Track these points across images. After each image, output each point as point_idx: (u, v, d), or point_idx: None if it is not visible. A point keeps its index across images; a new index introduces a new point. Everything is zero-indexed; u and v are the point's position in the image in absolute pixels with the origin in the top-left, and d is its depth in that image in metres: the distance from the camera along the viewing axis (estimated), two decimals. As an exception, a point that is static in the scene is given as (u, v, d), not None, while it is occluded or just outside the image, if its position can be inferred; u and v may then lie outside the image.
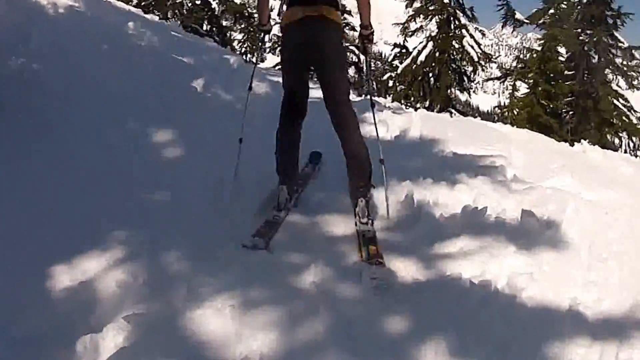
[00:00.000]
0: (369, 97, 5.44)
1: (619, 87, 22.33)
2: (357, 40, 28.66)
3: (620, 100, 21.48)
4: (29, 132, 4.61)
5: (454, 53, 25.20)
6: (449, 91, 25.61)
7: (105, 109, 5.44)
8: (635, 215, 4.68)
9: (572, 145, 10.14)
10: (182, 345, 2.65)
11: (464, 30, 24.87)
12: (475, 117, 27.04)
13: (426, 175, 5.15)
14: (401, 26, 26.68)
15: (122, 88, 6.03)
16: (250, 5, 26.89)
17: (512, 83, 24.02)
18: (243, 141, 4.63)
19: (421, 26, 26.09)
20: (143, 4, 23.66)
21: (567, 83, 20.90)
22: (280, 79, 4.66)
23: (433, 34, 25.19)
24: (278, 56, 30.25)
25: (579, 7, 20.92)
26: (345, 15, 26.83)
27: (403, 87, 27.02)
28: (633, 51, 22.31)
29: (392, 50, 29.94)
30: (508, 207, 4.53)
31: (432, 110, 24.96)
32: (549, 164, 6.63)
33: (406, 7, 26.93)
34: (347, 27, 26.79)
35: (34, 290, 2.93)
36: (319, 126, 4.82)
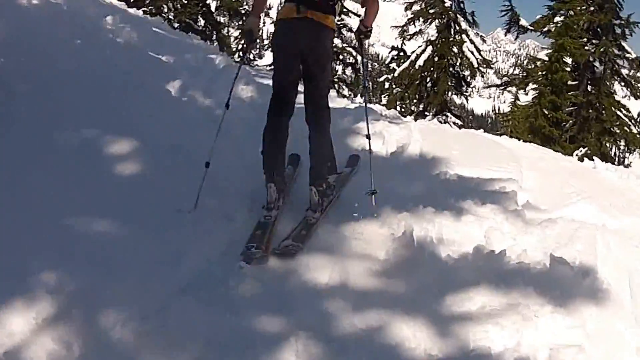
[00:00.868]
0: (363, 104, 5.74)
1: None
2: (354, 41, 28.52)
3: (622, 110, 20.74)
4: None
5: (453, 58, 24.52)
6: (445, 95, 24.95)
7: (62, 111, 4.75)
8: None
9: (581, 160, 9.55)
10: None
11: (464, 36, 24.16)
12: (470, 120, 27.02)
13: (427, 202, 4.49)
14: (400, 29, 25.94)
15: (88, 88, 5.31)
16: (247, 1, 26.28)
17: (510, 90, 23.46)
18: (210, 166, 4.14)
19: (420, 30, 25.36)
20: None
21: (570, 93, 20.10)
22: (269, 81, 4.65)
23: (432, 38, 24.45)
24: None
25: (584, 15, 20.00)
26: (343, 17, 26.47)
27: (399, 89, 26.50)
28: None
29: (389, 52, 29.60)
30: (528, 245, 3.89)
31: (428, 114, 24.60)
32: (563, 187, 5.97)
33: (405, 9, 26.27)
34: (345, 28, 26.40)
35: None
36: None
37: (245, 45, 5.68)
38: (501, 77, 26.53)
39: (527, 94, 21.40)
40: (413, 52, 25.06)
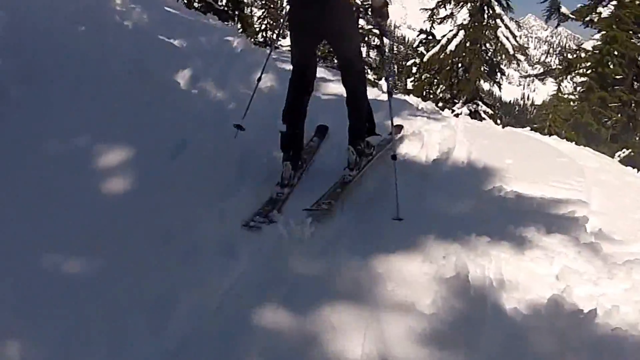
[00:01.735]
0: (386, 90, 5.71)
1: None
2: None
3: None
4: None
5: (487, 44, 23.62)
6: (477, 83, 24.22)
7: (56, 113, 4.12)
8: None
9: (624, 164, 8.70)
10: None
11: (498, 20, 23.26)
12: (497, 108, 26.09)
13: (480, 228, 3.72)
14: (429, 12, 25.02)
15: (87, 84, 4.62)
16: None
17: (544, 80, 22.54)
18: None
19: (452, 13, 24.48)
20: None
21: (618, 89, 18.95)
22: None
23: (465, 22, 23.47)
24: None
25: (636, 7, 18.78)
26: None
27: (428, 75, 25.82)
28: None
29: (417, 36, 28.69)
30: (617, 297, 3.12)
31: (457, 101, 23.78)
32: (636, 210, 5.12)
33: (436, -8, 25.34)
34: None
35: None
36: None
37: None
38: (533, 65, 25.52)
39: (573, 85, 20.55)
40: (444, 36, 24.22)
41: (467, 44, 23.48)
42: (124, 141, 3.80)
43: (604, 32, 19.02)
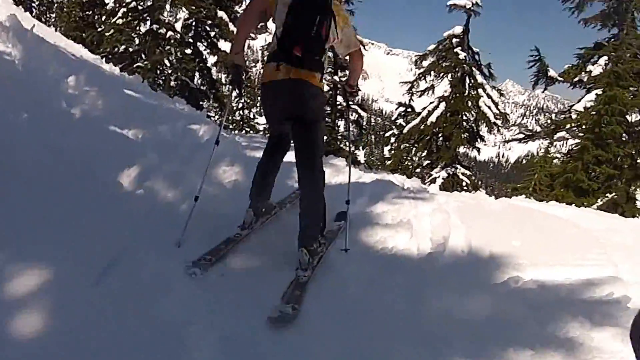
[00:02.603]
0: (383, 175, 6.50)
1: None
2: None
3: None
4: None
5: (468, 113, 23.37)
6: (457, 150, 24.08)
7: None
8: None
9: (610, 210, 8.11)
10: None
11: (480, 90, 23.16)
12: (472, 167, 25.81)
13: (508, 335, 3.09)
14: (408, 85, 24.89)
15: (10, 187, 3.80)
16: (247, 57, 25.59)
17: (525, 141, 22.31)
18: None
19: (432, 85, 24.30)
20: (131, 50, 23.08)
21: (617, 145, 18.48)
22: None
23: (446, 94, 23.25)
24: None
25: (634, 62, 18.49)
26: (347, 72, 25.44)
27: (407, 144, 25.73)
28: None
29: (396, 109, 28.70)
30: None
31: (436, 166, 23.38)
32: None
33: (415, 64, 25.31)
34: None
35: None
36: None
37: (233, 82, 4.50)
38: (509, 128, 25.27)
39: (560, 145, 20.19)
40: (424, 108, 24.23)
41: (448, 115, 23.19)
42: (43, 261, 3.01)
43: (600, 92, 18.64)
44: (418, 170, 25.05)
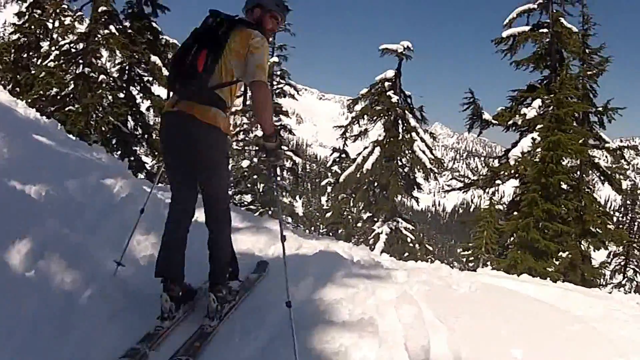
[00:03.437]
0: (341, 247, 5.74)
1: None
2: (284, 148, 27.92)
3: (600, 207, 19.34)
4: None
5: (404, 159, 23.07)
6: (395, 200, 23.68)
7: None
8: None
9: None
10: None
11: (413, 134, 22.96)
12: (413, 220, 25.59)
13: None
14: (342, 129, 24.53)
15: None
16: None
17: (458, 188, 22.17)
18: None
19: (366, 129, 23.97)
20: (63, 94, 22.44)
21: (566, 197, 18.00)
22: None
23: (380, 138, 22.94)
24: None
25: (575, 105, 18.41)
26: (281, 117, 25.45)
27: (344, 195, 25.28)
28: (623, 151, 20.14)
29: (330, 155, 28.45)
30: None
31: (377, 220, 22.95)
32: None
33: (348, 108, 25.07)
34: (284, 130, 25.36)
35: None
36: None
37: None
38: (441, 173, 25.14)
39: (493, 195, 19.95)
40: (359, 154, 23.86)
41: (384, 161, 22.87)
42: None
43: (536, 136, 18.39)
44: (359, 224, 24.64)
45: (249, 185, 27.50)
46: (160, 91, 24.00)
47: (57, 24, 26.58)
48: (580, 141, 18.03)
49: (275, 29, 4.24)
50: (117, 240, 4.72)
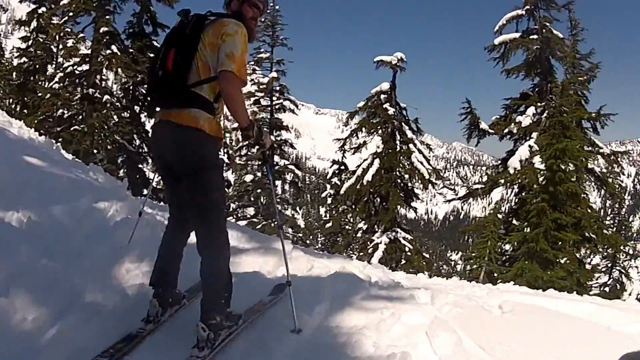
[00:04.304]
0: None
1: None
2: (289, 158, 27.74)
3: (595, 212, 18.44)
4: None
5: (402, 170, 22.35)
6: (396, 211, 22.85)
7: None
8: None
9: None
10: None
11: (411, 145, 22.27)
12: (411, 230, 25.06)
13: None
14: (341, 142, 23.89)
15: None
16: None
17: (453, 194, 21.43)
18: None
19: (364, 142, 23.28)
20: (68, 114, 21.98)
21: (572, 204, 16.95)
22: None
23: (378, 150, 22.25)
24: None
25: (578, 111, 17.74)
26: (282, 131, 25.09)
27: (345, 207, 24.97)
28: (617, 157, 19.29)
29: (330, 167, 28.30)
30: None
31: (377, 230, 22.31)
32: None
33: (346, 121, 24.44)
34: (286, 144, 24.98)
35: None
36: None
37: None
38: (440, 183, 24.36)
39: (490, 204, 19.09)
40: (359, 166, 23.20)
41: (383, 172, 22.18)
42: None
43: (546, 145, 17.24)
44: (359, 234, 23.95)
45: (252, 198, 27.17)
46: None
47: (60, 46, 26.20)
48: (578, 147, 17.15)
49: (257, 16, 3.66)
50: (102, 267, 3.97)
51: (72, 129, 21.54)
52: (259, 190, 26.29)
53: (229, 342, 3.54)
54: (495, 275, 16.99)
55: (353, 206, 23.80)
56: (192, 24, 3.37)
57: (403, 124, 22.67)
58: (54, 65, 26.88)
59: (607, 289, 22.04)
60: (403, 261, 21.14)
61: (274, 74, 27.20)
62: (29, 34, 28.07)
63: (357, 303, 4.39)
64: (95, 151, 21.56)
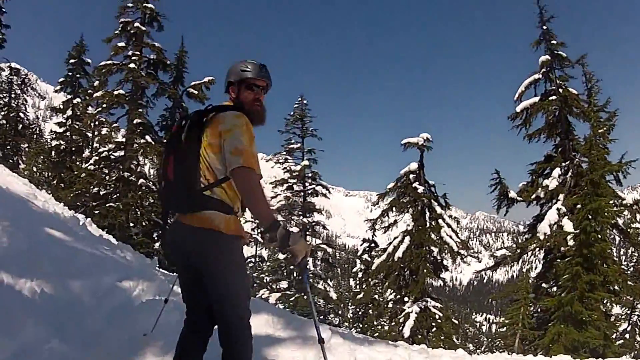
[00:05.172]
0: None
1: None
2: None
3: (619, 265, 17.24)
4: None
5: (432, 245, 21.64)
6: (425, 283, 22.02)
7: None
8: None
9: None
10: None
11: (440, 221, 21.65)
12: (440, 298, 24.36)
13: None
14: (372, 222, 24.07)
15: None
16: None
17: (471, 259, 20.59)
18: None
19: (395, 221, 22.96)
20: (103, 193, 22.07)
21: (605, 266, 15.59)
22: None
23: (409, 228, 21.72)
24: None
25: (607, 166, 16.69)
26: (315, 214, 26.28)
27: (376, 280, 24.92)
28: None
29: (360, 245, 28.71)
30: None
31: (407, 300, 21.54)
32: None
33: (377, 202, 24.02)
34: (318, 225, 25.00)
35: None
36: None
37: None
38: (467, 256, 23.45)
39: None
40: (390, 243, 22.58)
41: (413, 248, 21.53)
42: None
43: (580, 205, 16.18)
44: (390, 305, 23.13)
45: (285, 273, 27.15)
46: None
47: (95, 132, 26.92)
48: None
49: (260, 96, 3.23)
50: (119, 356, 3.34)
51: (107, 205, 21.55)
52: (292, 266, 26.18)
53: None
54: (529, 341, 15.86)
55: (384, 279, 23.21)
56: (187, 128, 3.06)
57: (432, 200, 22.13)
58: (89, 149, 27.28)
59: (627, 335, 20.53)
60: (434, 329, 20.46)
61: (306, 162, 27.59)
62: (64, 120, 28.85)
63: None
64: (131, 224, 21.48)
